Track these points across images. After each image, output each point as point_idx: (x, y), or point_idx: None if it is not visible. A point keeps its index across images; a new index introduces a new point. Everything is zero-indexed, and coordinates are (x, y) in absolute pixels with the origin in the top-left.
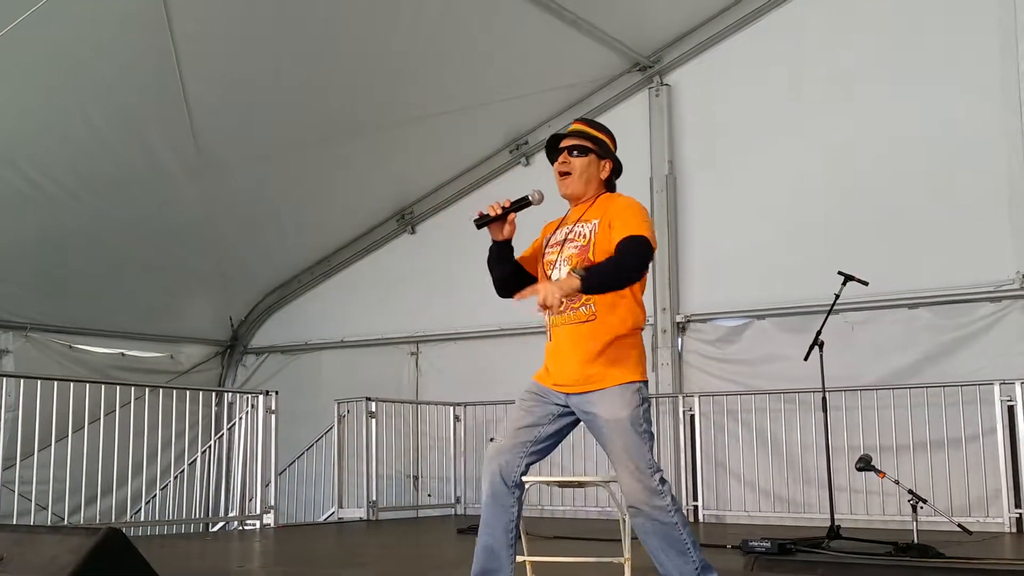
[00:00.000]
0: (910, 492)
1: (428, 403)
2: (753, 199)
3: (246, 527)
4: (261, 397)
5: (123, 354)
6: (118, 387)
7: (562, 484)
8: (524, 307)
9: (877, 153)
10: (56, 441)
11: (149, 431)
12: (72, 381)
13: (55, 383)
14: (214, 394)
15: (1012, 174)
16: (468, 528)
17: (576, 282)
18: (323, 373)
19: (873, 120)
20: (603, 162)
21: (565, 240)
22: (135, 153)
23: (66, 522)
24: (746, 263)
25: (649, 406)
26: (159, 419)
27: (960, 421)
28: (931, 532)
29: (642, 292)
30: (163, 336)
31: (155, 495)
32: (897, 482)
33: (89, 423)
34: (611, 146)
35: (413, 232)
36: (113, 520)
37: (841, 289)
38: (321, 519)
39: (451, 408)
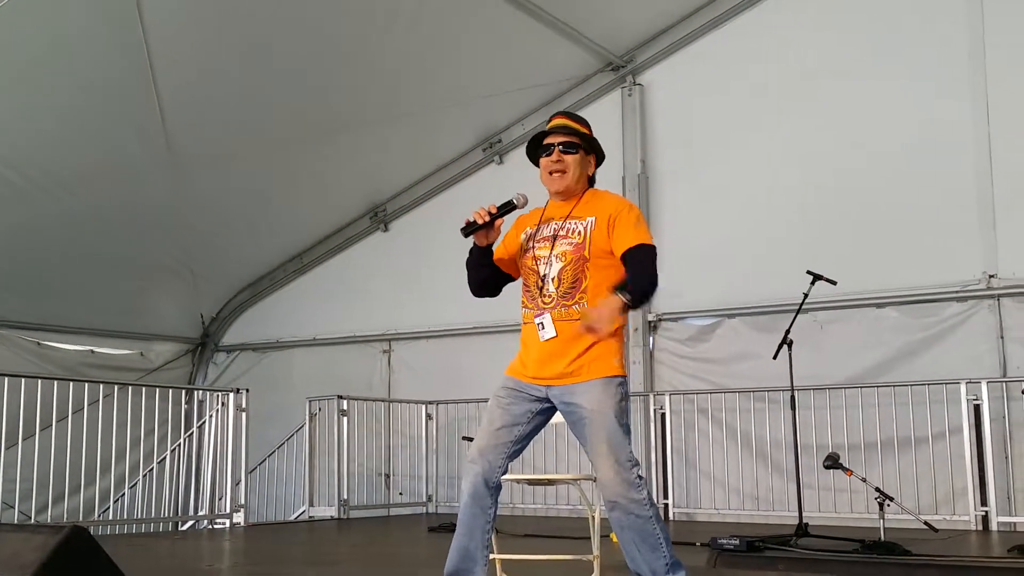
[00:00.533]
0: (877, 490)
1: (400, 401)
2: (724, 199)
3: (216, 526)
4: (232, 395)
5: (92, 351)
6: (87, 385)
7: (532, 482)
8: (497, 305)
9: (846, 154)
10: (24, 439)
11: (118, 429)
12: (40, 378)
13: (23, 380)
14: (184, 392)
15: (979, 175)
16: (440, 527)
17: (620, 303)
18: (295, 371)
19: (842, 121)
20: (589, 156)
21: (555, 236)
22: (105, 148)
23: (33, 520)
24: (716, 262)
25: (629, 402)
26: (128, 417)
27: (927, 420)
28: (898, 530)
29: None
30: (133, 333)
31: (124, 494)
32: (864, 480)
33: (57, 421)
34: (594, 138)
35: (386, 230)
36: (81, 518)
37: (810, 288)
38: (292, 518)
39: (423, 406)
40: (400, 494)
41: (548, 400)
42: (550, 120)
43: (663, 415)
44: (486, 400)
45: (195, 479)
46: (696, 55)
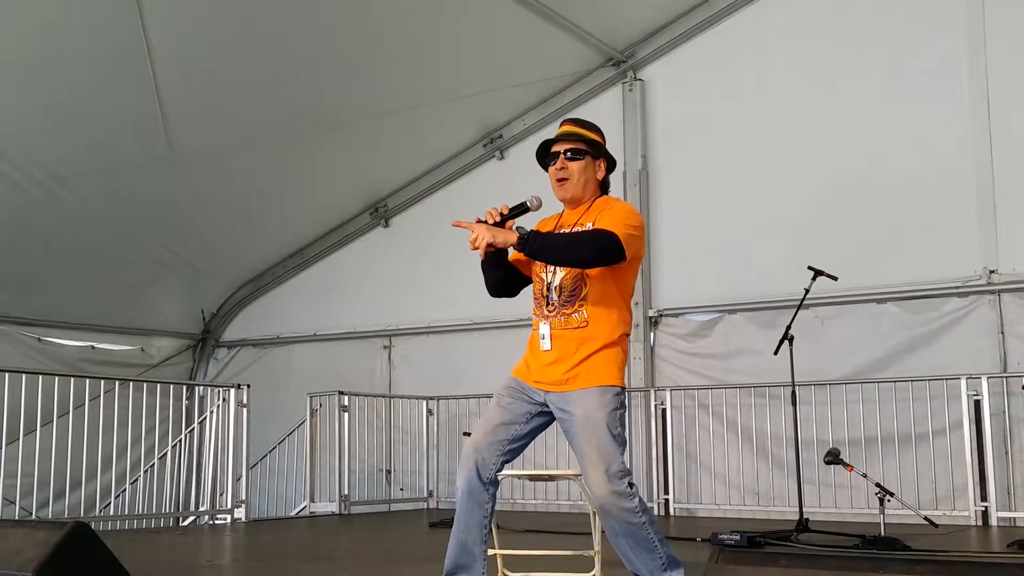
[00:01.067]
0: (878, 485)
1: (401, 397)
2: (725, 194)
3: (217, 521)
4: (233, 391)
5: (93, 347)
6: (88, 380)
7: (533, 478)
8: (498, 301)
9: (847, 149)
10: (25, 435)
11: (119, 425)
12: (41, 374)
13: (23, 376)
14: (185, 388)
15: (979, 171)
16: (440, 522)
17: (513, 238)
18: (295, 367)
19: (843, 116)
20: (598, 162)
21: None
22: (105, 143)
23: (34, 517)
24: (717, 258)
25: (625, 412)
26: (129, 413)
27: (927, 415)
28: (898, 525)
29: (631, 298)
30: (134, 329)
31: (125, 489)
32: (865, 475)
33: (58, 417)
34: (603, 143)
35: (387, 225)
36: (82, 514)
37: (811, 284)
38: (293, 513)
39: (424, 402)
40: (401, 490)
41: (547, 405)
42: (560, 127)
43: (664, 410)
44: (487, 396)
45: (196, 475)
46: (697, 50)
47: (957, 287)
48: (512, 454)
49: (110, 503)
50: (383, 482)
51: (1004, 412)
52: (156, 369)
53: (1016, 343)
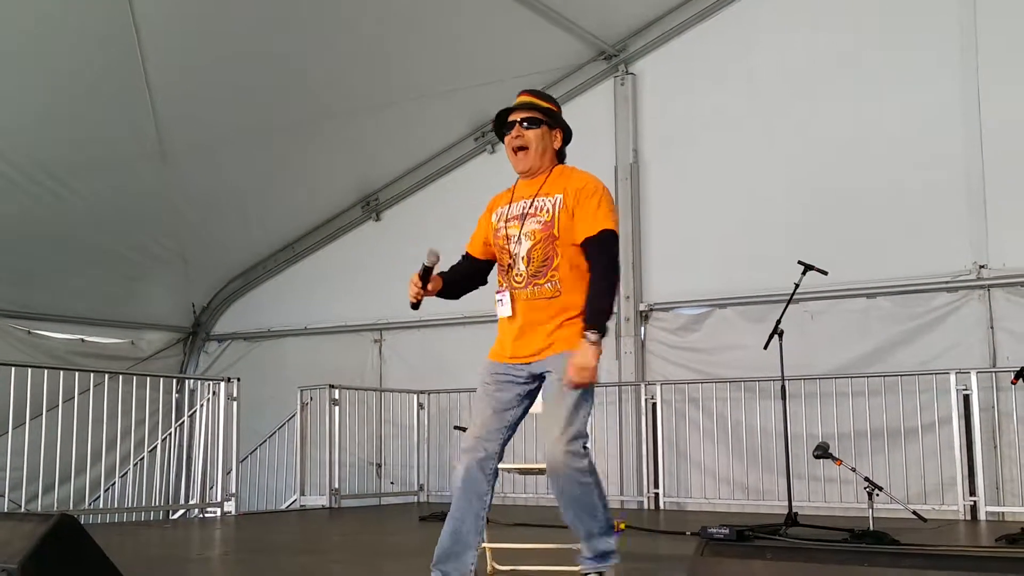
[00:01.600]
0: (866, 480)
1: (391, 391)
2: (715, 188)
3: (207, 515)
4: (223, 384)
5: (83, 340)
6: (77, 373)
7: (523, 471)
8: (489, 296)
9: (838, 145)
10: (14, 428)
11: (109, 418)
12: (31, 367)
13: (12, 369)
14: (175, 381)
15: (969, 166)
16: (431, 515)
17: (597, 343)
18: (286, 360)
19: (834, 111)
20: (554, 132)
21: (525, 215)
22: (96, 137)
23: (23, 509)
24: (708, 252)
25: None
26: (119, 406)
27: (917, 410)
28: (887, 519)
29: None
30: (124, 322)
31: (115, 482)
32: (854, 470)
33: (48, 410)
34: (559, 112)
35: (378, 219)
36: (71, 507)
37: (801, 279)
38: (283, 507)
39: (415, 396)
40: (391, 483)
41: (531, 379)
42: (516, 98)
43: (654, 405)
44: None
45: (186, 468)
46: (688, 45)
47: (947, 282)
48: (508, 438)
49: (100, 496)
50: (373, 476)
51: (993, 407)
52: (146, 362)
53: (1005, 338)
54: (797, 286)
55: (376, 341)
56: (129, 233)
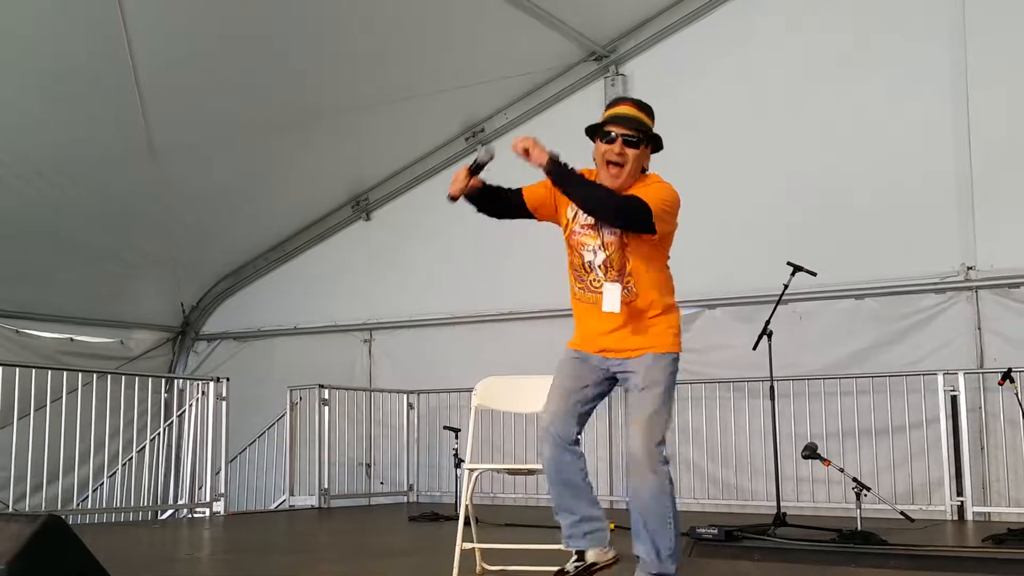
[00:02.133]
0: (854, 480)
1: (381, 390)
2: (704, 190)
3: (195, 515)
4: (212, 384)
5: (72, 339)
6: (66, 373)
7: (512, 472)
8: (479, 295)
9: (827, 146)
10: (2, 428)
11: (97, 418)
12: (18, 366)
13: (1, 368)
14: (164, 380)
15: (959, 168)
16: (420, 516)
17: (546, 159)
18: (276, 360)
19: (823, 113)
20: (647, 148)
21: (600, 225)
22: (85, 135)
23: (11, 509)
24: (697, 252)
25: (676, 377)
26: (108, 406)
27: (904, 410)
28: (875, 519)
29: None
30: (113, 321)
31: (103, 483)
32: (842, 470)
33: (36, 409)
34: (653, 125)
35: (368, 219)
36: (59, 508)
37: (790, 279)
38: (272, 507)
39: (404, 395)
40: (381, 483)
41: (610, 372)
42: (616, 104)
43: None
44: (468, 390)
45: (175, 468)
46: (680, 46)
47: (935, 283)
48: (585, 416)
49: (88, 496)
50: (363, 476)
51: (980, 407)
52: (135, 362)
53: (993, 339)
54: (786, 287)
55: (366, 341)
56: (118, 232)
